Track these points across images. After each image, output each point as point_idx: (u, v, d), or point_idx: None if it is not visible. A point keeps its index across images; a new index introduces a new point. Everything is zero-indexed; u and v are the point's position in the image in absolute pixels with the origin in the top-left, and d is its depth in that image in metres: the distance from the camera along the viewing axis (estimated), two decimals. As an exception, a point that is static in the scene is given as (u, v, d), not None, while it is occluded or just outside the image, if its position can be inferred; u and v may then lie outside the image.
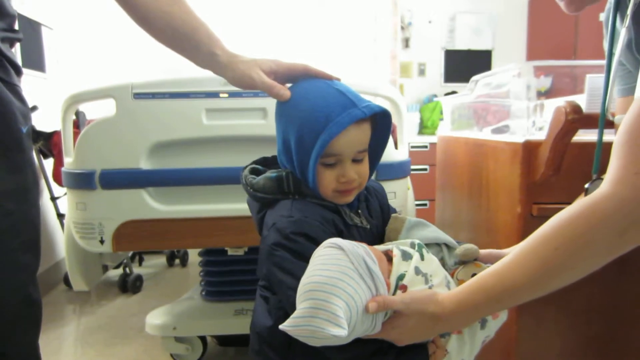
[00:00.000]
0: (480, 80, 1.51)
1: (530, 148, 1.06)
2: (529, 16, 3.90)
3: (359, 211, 0.85)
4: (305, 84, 0.82)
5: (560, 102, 1.04)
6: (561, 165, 1.01)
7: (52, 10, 2.79)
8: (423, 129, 3.62)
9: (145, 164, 1.38)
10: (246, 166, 0.88)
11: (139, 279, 2.65)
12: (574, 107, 0.96)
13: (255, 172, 0.87)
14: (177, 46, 0.90)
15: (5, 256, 0.82)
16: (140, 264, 3.08)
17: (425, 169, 3.20)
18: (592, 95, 1.09)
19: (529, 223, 1.06)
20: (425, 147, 3.23)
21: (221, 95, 1.33)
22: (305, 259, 0.70)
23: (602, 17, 0.92)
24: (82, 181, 1.37)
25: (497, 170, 1.22)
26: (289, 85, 0.84)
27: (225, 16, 3.56)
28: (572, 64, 1.74)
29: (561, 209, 1.03)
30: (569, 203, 1.03)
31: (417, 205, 3.15)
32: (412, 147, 3.18)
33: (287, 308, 0.73)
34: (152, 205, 1.40)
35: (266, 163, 0.90)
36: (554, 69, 1.55)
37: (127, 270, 2.62)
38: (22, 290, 0.87)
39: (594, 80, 1.10)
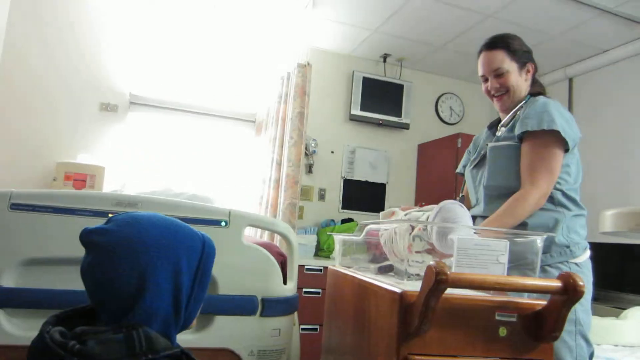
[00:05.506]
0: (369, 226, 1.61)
1: (406, 299, 1.12)
2: (418, 158, 4.39)
3: None
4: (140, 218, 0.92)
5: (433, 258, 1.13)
6: (432, 319, 1.08)
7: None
8: (319, 251, 3.70)
9: (6, 281, 1.24)
10: (48, 330, 0.72)
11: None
12: (442, 268, 1.05)
13: (64, 335, 0.72)
14: None
15: None
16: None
17: (319, 293, 3.21)
18: (461, 255, 1.21)
19: (403, 374, 1.09)
20: (320, 270, 3.28)
21: (110, 215, 1.28)
22: None
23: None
24: None
25: (379, 315, 1.26)
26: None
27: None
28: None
29: (433, 363, 1.08)
30: (443, 355, 1.09)
31: (308, 329, 3.10)
32: (307, 269, 3.22)
33: None
34: (7, 329, 1.23)
35: (71, 322, 0.79)
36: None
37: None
38: None
39: (463, 241, 1.23)
